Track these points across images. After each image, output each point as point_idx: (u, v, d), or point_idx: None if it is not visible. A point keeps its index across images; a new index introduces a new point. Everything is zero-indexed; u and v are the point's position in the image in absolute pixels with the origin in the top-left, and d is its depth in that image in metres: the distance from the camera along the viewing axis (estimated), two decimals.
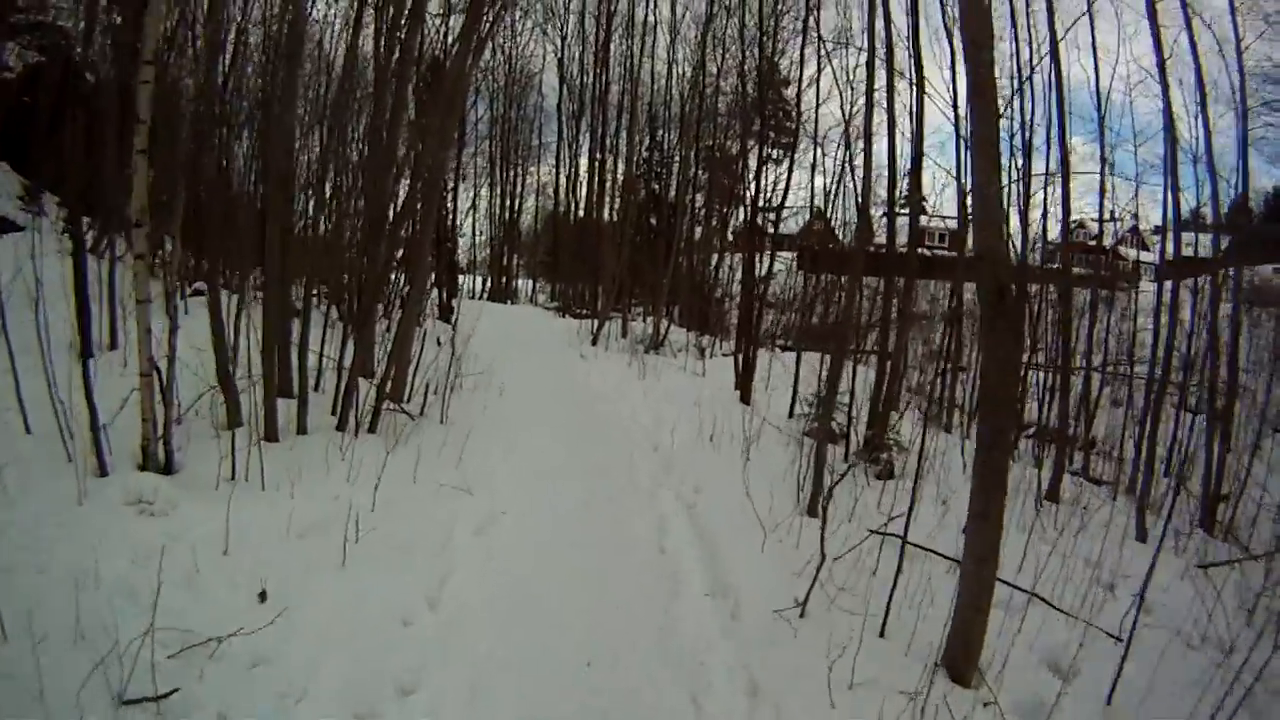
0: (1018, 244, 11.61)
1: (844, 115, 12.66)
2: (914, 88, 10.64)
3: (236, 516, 4.95)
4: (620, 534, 6.23)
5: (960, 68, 10.72)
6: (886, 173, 11.42)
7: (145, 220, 5.60)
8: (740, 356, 13.56)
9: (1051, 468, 9.19)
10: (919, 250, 21.23)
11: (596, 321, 18.71)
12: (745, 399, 12.40)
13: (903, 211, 19.19)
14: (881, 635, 4.81)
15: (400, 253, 10.45)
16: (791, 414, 11.53)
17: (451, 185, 20.61)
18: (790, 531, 6.26)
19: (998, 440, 4.43)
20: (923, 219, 23.58)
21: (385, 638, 4.31)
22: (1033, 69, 11.17)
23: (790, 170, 14.00)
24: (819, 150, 17.47)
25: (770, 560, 5.82)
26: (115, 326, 8.34)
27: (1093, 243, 17.73)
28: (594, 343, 17.70)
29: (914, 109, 10.75)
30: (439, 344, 9.84)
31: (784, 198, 14.05)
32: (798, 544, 6.05)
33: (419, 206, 10.07)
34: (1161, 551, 5.38)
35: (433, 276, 17.41)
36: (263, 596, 4.49)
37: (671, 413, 10.52)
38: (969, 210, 11.15)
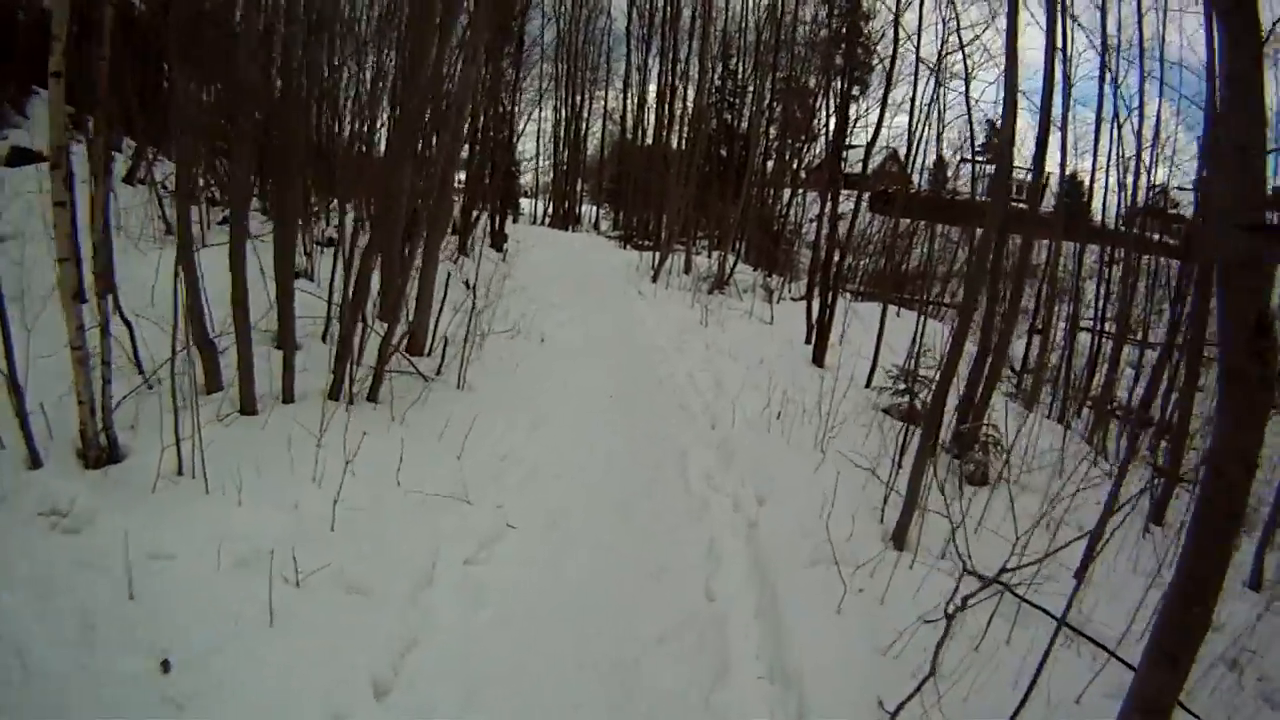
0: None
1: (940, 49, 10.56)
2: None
3: (161, 535, 3.75)
4: (659, 565, 4.63)
5: None
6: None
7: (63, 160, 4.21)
8: (815, 309, 11.76)
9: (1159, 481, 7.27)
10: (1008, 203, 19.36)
11: (659, 256, 16.93)
12: (819, 359, 10.64)
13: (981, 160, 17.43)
14: None
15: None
16: (870, 382, 9.77)
17: (509, 106, 18.73)
18: (875, 575, 4.60)
19: (1225, 529, 2.64)
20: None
21: None
22: None
23: (883, 108, 11.85)
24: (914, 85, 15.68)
25: (849, 625, 4.17)
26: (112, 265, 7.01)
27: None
28: (654, 279, 15.99)
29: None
30: (467, 286, 8.20)
31: (875, 135, 11.92)
32: (883, 597, 4.40)
33: (444, 129, 8.38)
34: None
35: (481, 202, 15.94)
36: (165, 666, 3.13)
37: (735, 374, 8.87)
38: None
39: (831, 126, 19.07)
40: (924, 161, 20.82)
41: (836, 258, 11.50)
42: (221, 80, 7.65)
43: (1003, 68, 5.93)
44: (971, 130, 13.18)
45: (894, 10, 12.38)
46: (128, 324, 5.79)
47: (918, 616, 3.93)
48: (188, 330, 5.39)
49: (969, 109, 12.13)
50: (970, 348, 8.89)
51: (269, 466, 4.73)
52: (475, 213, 15.88)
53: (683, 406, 7.73)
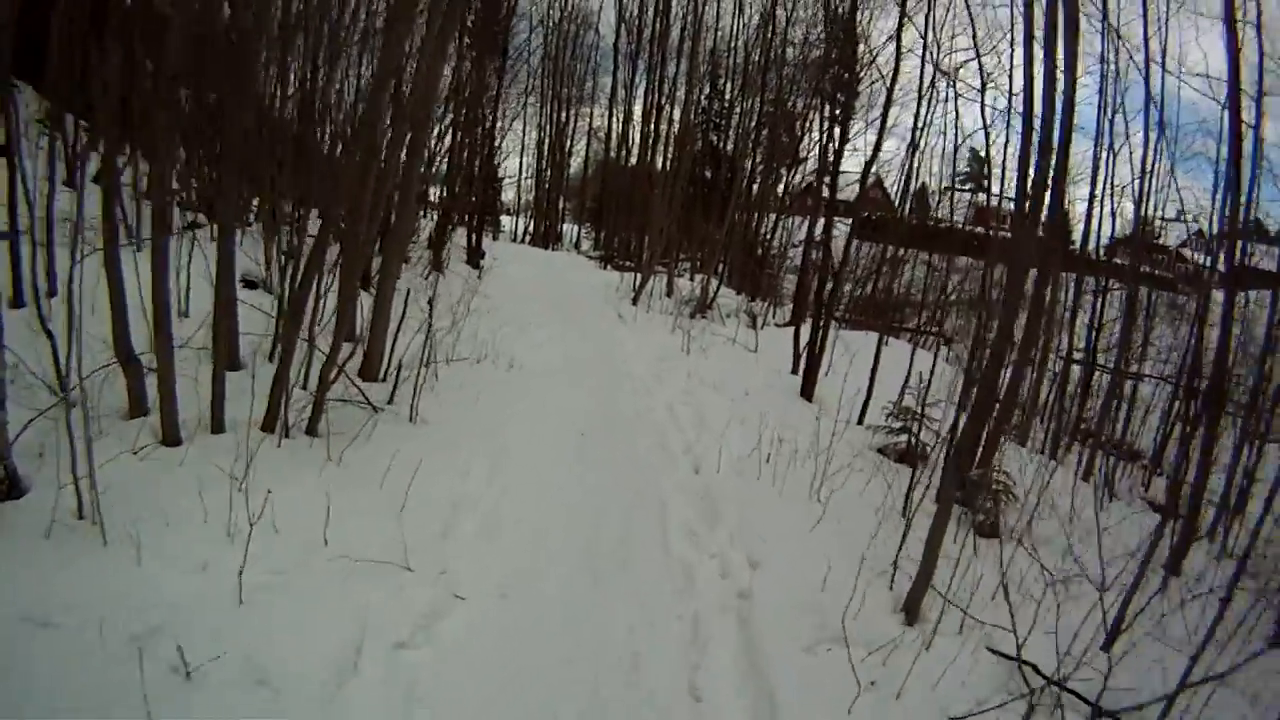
0: None
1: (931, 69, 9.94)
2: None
3: (45, 594, 3.17)
4: (633, 651, 3.78)
5: None
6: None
7: None
8: (803, 337, 11.03)
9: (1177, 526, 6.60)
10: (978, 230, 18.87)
11: (640, 277, 16.16)
12: (808, 392, 9.88)
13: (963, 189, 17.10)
14: None
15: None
16: (864, 418, 9.03)
17: (489, 116, 17.98)
18: (888, 662, 3.83)
19: None
20: (982, 196, 21.61)
21: None
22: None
23: (880, 135, 11.12)
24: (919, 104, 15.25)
25: None
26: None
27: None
28: (635, 301, 15.20)
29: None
30: (426, 307, 7.39)
31: (871, 159, 11.20)
32: (899, 691, 3.63)
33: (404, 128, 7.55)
34: None
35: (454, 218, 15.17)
36: None
37: (719, 408, 8.10)
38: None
39: (819, 151, 18.92)
40: (910, 188, 20.64)
41: (830, 285, 10.72)
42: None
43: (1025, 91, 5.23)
44: (955, 157, 12.58)
45: (895, 33, 11.77)
46: (49, 335, 4.99)
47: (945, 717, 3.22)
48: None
49: (957, 133, 11.42)
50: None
51: (180, 515, 3.94)
52: (451, 227, 15.11)
53: (663, 446, 6.87)
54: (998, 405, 7.15)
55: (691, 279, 17.63)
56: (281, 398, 5.23)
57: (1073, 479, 8.40)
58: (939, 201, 17.86)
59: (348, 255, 6.37)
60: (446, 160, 15.75)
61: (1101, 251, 14.30)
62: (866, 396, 9.19)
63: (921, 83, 10.93)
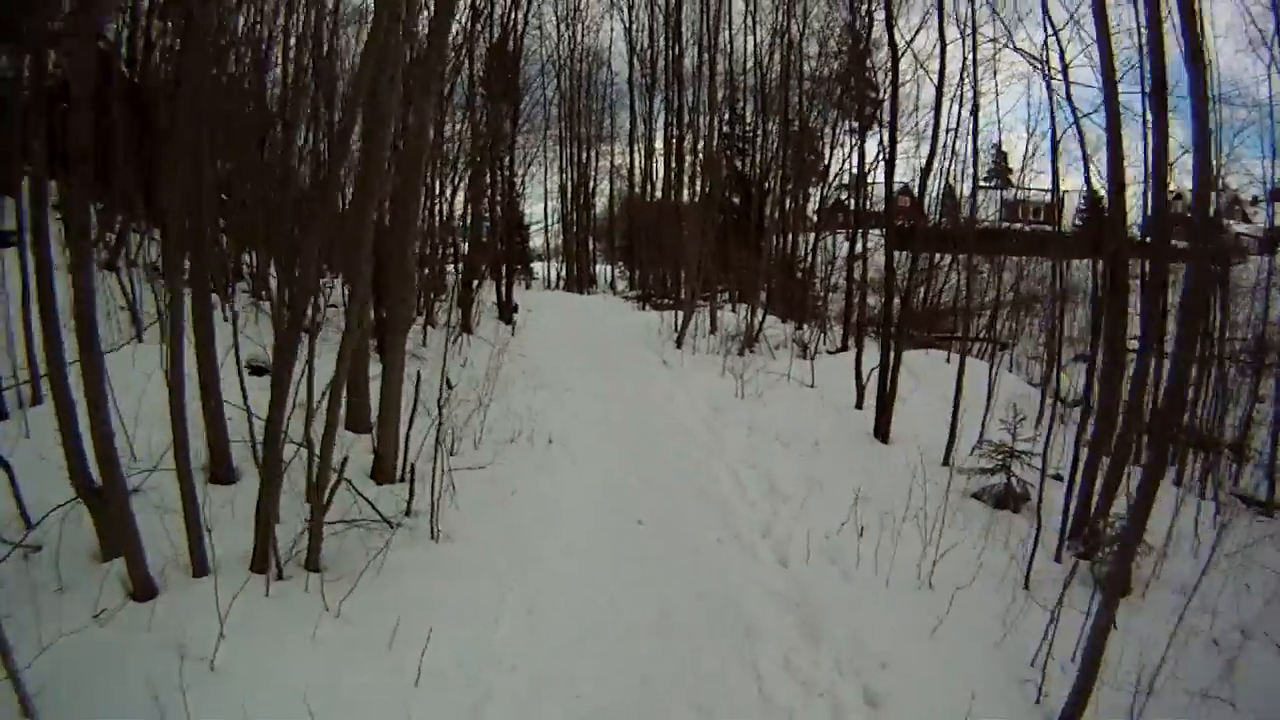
0: None
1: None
2: None
3: None
4: None
5: None
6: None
7: None
8: (865, 368, 9.85)
9: None
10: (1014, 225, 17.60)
11: (682, 316, 15.01)
12: (882, 433, 8.65)
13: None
14: None
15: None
16: (948, 458, 7.81)
17: (507, 161, 17.17)
18: None
19: None
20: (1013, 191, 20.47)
21: None
22: None
23: (892, 141, 9.92)
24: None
25: None
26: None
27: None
28: (678, 344, 14.05)
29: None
30: (447, 384, 6.38)
31: (889, 168, 10.04)
32: None
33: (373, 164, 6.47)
34: None
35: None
36: None
37: (790, 467, 7.03)
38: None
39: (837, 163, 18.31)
40: (937, 192, 19.75)
41: (898, 305, 9.51)
42: None
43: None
44: (976, 158, 11.34)
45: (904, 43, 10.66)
46: (5, 465, 4.19)
47: None
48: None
49: (974, 135, 10.17)
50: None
51: (132, 713, 2.94)
52: (478, 283, 14.17)
53: (735, 530, 5.72)
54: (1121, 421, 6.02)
55: (734, 310, 16.48)
56: (268, 528, 4.21)
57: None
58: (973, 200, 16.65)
59: (347, 322, 5.28)
60: (470, 211, 14.95)
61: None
62: (951, 431, 7.97)
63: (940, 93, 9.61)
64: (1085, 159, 8.89)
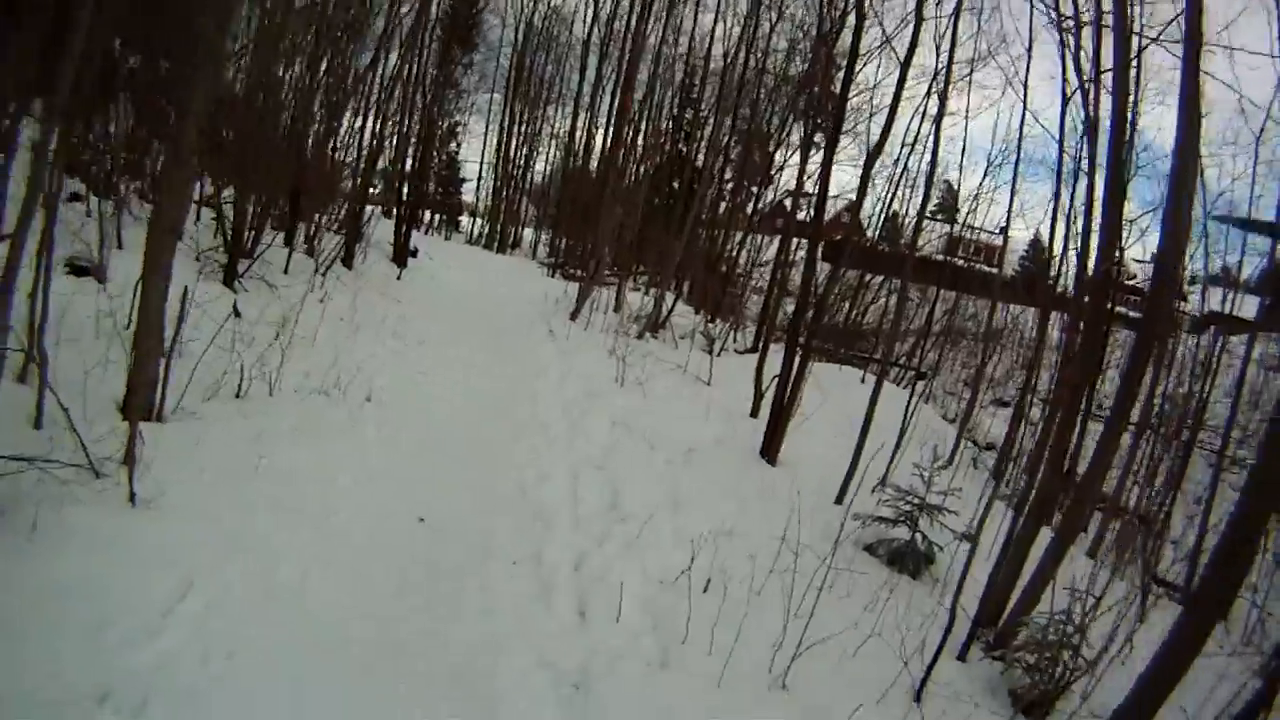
0: None
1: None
2: None
3: None
4: None
5: None
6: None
7: None
8: (767, 369, 8.39)
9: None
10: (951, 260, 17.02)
11: (581, 288, 13.31)
12: (770, 452, 7.12)
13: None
14: None
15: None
16: (844, 495, 6.38)
17: (431, 98, 15.40)
18: None
19: None
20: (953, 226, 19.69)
21: None
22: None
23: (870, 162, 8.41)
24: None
25: None
26: None
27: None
28: (574, 316, 12.36)
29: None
30: (235, 312, 4.62)
31: (864, 181, 8.42)
32: None
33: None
34: None
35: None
36: None
37: (647, 481, 5.53)
38: None
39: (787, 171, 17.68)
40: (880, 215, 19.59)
41: (809, 314, 7.97)
42: None
43: None
44: (934, 170, 10.12)
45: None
46: None
47: None
48: None
49: (935, 143, 8.86)
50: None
51: None
52: (369, 216, 12.24)
53: (539, 554, 4.11)
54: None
55: (646, 293, 14.89)
56: None
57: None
58: (916, 227, 15.60)
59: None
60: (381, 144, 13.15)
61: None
62: (852, 463, 6.52)
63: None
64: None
